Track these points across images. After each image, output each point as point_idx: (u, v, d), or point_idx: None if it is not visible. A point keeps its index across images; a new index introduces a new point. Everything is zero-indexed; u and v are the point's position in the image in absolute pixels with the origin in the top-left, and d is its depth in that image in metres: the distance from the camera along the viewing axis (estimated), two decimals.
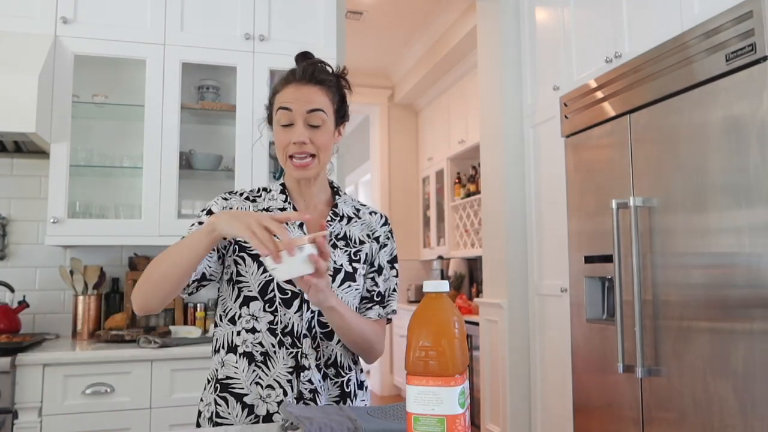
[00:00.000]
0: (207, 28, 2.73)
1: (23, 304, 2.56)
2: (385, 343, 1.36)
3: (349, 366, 1.30)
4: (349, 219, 1.35)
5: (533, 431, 3.18)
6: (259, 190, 1.37)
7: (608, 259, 2.35)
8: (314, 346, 1.24)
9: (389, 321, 1.38)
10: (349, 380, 1.29)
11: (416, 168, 6.41)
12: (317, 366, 1.24)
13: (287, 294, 1.23)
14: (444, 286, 0.88)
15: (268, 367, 1.22)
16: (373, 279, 1.34)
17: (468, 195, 5.22)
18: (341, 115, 1.32)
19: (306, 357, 1.22)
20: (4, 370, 2.08)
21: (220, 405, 1.24)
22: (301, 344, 1.22)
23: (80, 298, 2.61)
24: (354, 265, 1.30)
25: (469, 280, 5.43)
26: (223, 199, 1.32)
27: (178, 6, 2.69)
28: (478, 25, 3.76)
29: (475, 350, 3.94)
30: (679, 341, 1.99)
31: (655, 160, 2.12)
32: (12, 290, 2.55)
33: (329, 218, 1.33)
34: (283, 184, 1.35)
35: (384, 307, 1.34)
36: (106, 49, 2.59)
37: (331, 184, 1.40)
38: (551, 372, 3.02)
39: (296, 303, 1.23)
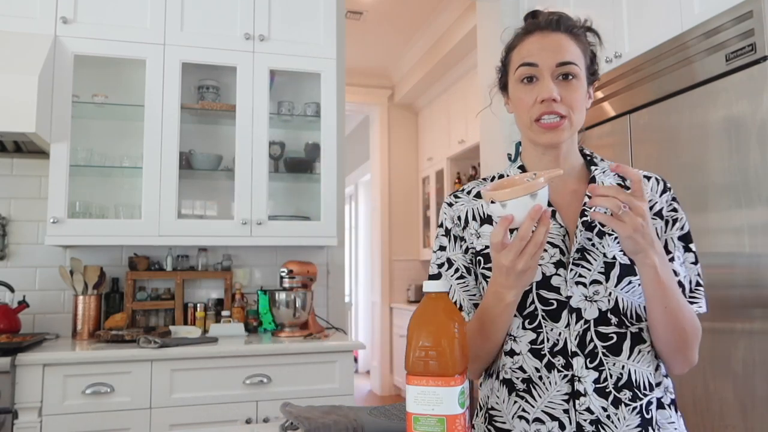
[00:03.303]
0: (207, 28, 2.73)
1: (23, 304, 2.56)
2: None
3: (650, 384, 0.98)
4: None
5: None
6: (493, 178, 1.15)
7: None
8: (592, 366, 0.97)
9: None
10: (650, 403, 0.98)
11: (416, 168, 6.40)
12: (600, 390, 0.96)
13: (552, 305, 0.99)
14: (444, 286, 0.88)
15: (532, 397, 0.99)
16: None
17: None
18: (592, 72, 1.11)
19: (581, 381, 0.96)
20: (4, 370, 2.08)
21: None
22: (574, 365, 0.97)
23: (80, 298, 2.61)
24: None
25: None
26: (448, 205, 1.12)
27: (178, 6, 2.69)
28: (478, 25, 3.76)
29: None
30: None
31: (655, 160, 2.12)
32: (12, 290, 2.55)
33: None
34: (521, 166, 1.12)
35: (690, 302, 1.00)
36: (106, 49, 2.59)
37: (581, 150, 1.13)
38: None
39: (564, 314, 0.98)
